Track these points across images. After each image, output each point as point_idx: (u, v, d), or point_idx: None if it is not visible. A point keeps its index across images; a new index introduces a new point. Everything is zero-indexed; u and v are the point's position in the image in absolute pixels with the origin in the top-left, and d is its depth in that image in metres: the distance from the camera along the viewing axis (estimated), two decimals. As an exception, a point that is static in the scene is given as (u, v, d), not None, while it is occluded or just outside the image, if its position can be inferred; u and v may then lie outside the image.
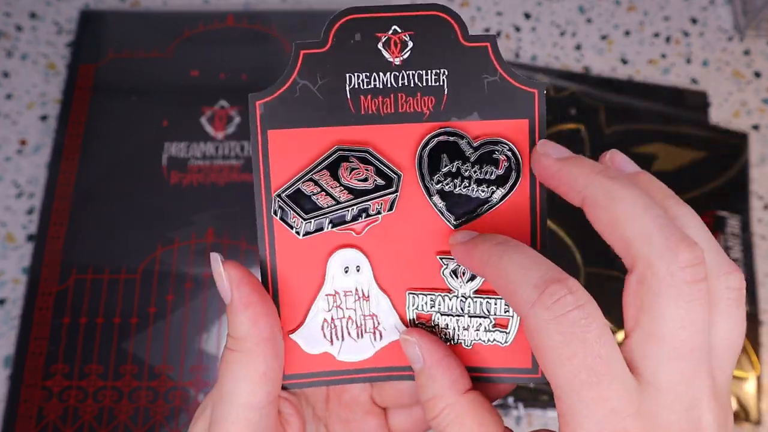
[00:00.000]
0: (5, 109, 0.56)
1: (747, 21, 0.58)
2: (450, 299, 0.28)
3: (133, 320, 0.48)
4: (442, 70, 0.28)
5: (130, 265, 0.50)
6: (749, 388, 0.48)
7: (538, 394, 0.47)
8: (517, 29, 0.59)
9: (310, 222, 0.27)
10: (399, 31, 0.28)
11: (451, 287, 0.28)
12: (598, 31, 0.59)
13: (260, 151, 0.28)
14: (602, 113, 0.54)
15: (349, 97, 0.28)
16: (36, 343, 0.48)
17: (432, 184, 0.28)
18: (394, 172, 0.28)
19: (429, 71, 0.28)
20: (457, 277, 0.28)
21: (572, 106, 0.54)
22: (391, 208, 0.28)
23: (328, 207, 0.27)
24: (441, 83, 0.28)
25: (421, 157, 0.28)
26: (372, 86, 0.28)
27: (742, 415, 0.47)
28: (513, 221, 0.28)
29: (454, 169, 0.28)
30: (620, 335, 0.48)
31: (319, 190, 0.28)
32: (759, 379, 0.48)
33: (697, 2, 0.60)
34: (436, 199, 0.28)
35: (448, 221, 0.28)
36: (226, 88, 0.55)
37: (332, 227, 0.28)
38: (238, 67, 0.56)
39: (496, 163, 0.27)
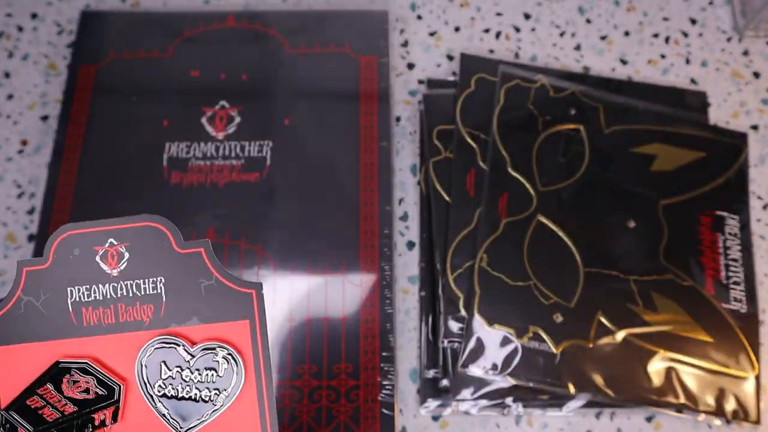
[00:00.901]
0: (6, 109, 0.56)
1: (746, 22, 0.59)
2: None
3: (133, 320, 0.48)
4: (159, 278, 0.29)
5: (131, 265, 0.50)
6: (748, 387, 0.48)
7: (537, 393, 0.47)
8: (517, 29, 0.59)
9: None
10: (115, 243, 0.29)
11: None
12: (597, 31, 0.60)
13: None
14: (602, 113, 0.54)
15: (71, 309, 0.29)
16: (37, 342, 0.48)
17: (154, 392, 0.28)
18: (115, 383, 0.28)
19: (146, 280, 0.29)
20: None
21: (572, 106, 0.54)
22: (114, 419, 0.29)
23: (53, 421, 0.27)
24: (159, 291, 0.29)
25: (140, 365, 0.28)
26: (92, 298, 0.29)
27: (741, 414, 0.47)
28: (242, 424, 0.28)
29: (174, 376, 0.28)
30: (619, 335, 0.48)
31: (44, 404, 0.28)
32: (758, 378, 0.48)
33: (696, 3, 0.61)
34: (161, 406, 0.28)
35: (176, 428, 0.28)
36: (226, 88, 0.55)
37: None
38: (238, 67, 0.56)
39: (215, 368, 0.28)
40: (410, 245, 0.53)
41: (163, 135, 0.54)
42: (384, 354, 0.48)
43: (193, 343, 0.29)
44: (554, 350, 0.47)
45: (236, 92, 0.55)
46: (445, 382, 0.48)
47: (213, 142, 0.54)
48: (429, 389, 0.48)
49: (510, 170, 0.52)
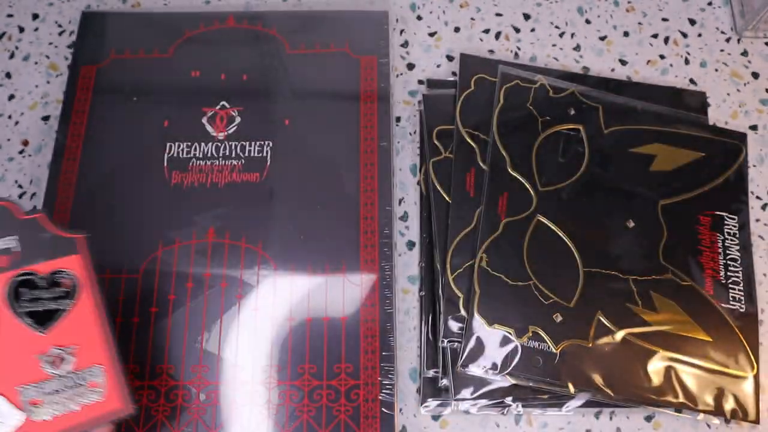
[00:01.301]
0: (8, 109, 0.56)
1: (745, 22, 0.59)
2: (51, 382, 0.39)
3: (134, 320, 0.48)
4: (11, 238, 0.41)
5: (132, 265, 0.50)
6: (747, 387, 0.48)
7: (537, 392, 0.47)
8: (517, 30, 0.60)
9: None
10: None
11: (52, 374, 0.40)
12: (597, 31, 0.60)
13: None
14: (601, 113, 0.54)
15: None
16: (37, 342, 0.49)
17: (19, 310, 0.40)
18: None
19: (1, 240, 0.41)
20: (54, 366, 0.40)
21: (571, 106, 0.54)
22: None
23: None
24: (11, 246, 0.41)
25: (7, 294, 0.40)
26: None
27: (740, 414, 0.47)
28: (85, 320, 0.41)
29: (33, 296, 0.41)
30: (618, 335, 0.48)
31: None
32: (757, 378, 0.48)
33: (695, 3, 0.61)
34: (26, 319, 0.40)
35: (39, 331, 0.40)
36: (226, 88, 0.56)
37: None
38: (238, 68, 0.56)
39: (60, 284, 0.41)
40: (410, 245, 0.53)
41: (164, 135, 0.54)
42: (384, 354, 0.48)
43: (44, 272, 0.41)
44: (554, 350, 0.47)
45: (237, 92, 0.56)
46: (444, 382, 0.48)
47: (213, 142, 0.54)
48: (429, 389, 0.48)
49: (510, 170, 0.52)
